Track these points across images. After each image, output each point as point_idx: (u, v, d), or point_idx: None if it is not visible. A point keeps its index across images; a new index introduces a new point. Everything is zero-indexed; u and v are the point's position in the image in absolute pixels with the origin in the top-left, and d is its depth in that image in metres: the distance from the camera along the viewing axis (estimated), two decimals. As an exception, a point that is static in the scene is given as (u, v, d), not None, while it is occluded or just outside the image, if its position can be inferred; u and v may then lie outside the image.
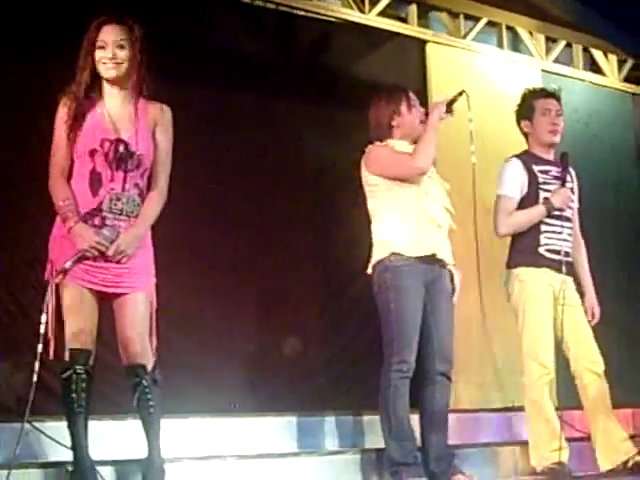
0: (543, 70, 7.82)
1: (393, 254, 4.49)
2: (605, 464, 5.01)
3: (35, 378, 3.65)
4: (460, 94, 4.61)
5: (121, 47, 3.85)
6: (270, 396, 5.94)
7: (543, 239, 5.04)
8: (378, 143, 4.66)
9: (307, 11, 6.81)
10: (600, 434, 5.03)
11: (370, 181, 4.62)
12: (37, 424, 4.26)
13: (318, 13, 6.85)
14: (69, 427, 3.84)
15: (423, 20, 7.45)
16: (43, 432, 4.30)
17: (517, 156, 5.15)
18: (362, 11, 7.04)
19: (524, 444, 5.16)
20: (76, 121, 3.82)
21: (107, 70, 3.86)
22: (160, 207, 3.93)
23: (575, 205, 5.24)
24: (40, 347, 3.65)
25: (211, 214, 6.04)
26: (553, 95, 5.24)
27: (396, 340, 4.45)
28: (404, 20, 7.33)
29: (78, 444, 3.81)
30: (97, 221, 3.79)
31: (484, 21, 7.64)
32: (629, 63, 8.38)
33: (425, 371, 4.55)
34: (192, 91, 5.84)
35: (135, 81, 3.89)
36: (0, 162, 5.34)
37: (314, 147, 6.63)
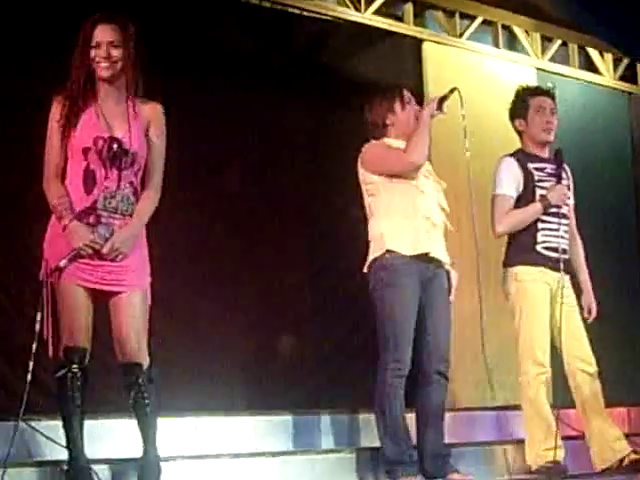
0: (538, 69, 7.81)
1: (389, 252, 4.50)
2: (600, 463, 5.01)
3: (30, 377, 3.66)
4: (452, 91, 4.62)
5: (115, 46, 3.84)
6: (265, 395, 5.93)
7: (540, 236, 5.03)
8: (374, 141, 4.68)
9: (303, 9, 6.79)
10: (594, 433, 5.03)
11: (366, 179, 4.63)
12: (32, 423, 4.26)
13: (314, 12, 6.83)
14: (64, 426, 3.84)
15: (419, 19, 7.43)
16: (38, 431, 4.30)
17: (511, 155, 5.14)
18: (358, 10, 7.02)
19: (520, 443, 5.16)
20: (70, 120, 3.82)
21: (101, 69, 3.85)
22: (154, 206, 3.94)
23: (571, 202, 5.24)
24: (35, 345, 3.65)
25: (206, 214, 6.03)
26: (547, 93, 5.23)
27: (391, 339, 4.46)
28: (400, 19, 7.31)
29: (73, 443, 3.81)
30: (92, 219, 3.79)
31: (480, 20, 7.62)
32: (625, 62, 8.36)
33: (422, 370, 4.56)
34: (186, 90, 5.83)
35: (129, 80, 3.89)
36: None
37: (309, 145, 6.62)
